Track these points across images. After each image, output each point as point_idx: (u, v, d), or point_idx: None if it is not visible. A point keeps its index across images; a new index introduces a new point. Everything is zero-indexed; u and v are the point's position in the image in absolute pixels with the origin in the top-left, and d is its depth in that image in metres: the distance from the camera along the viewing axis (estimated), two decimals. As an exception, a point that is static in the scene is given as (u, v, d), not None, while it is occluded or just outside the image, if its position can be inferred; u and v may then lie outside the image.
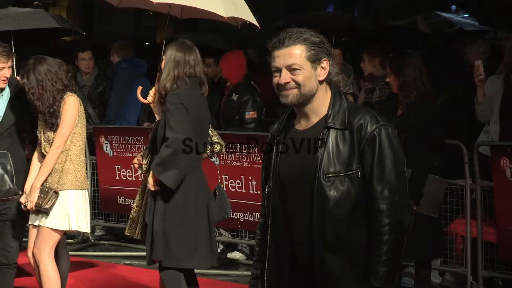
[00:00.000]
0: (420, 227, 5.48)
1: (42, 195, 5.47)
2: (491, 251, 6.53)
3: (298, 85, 3.25)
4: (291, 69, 3.25)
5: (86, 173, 5.66)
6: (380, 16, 10.89)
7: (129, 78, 8.96)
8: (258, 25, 6.61)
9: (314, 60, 3.26)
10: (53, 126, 5.50)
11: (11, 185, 5.59)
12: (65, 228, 5.60)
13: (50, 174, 5.53)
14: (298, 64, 3.24)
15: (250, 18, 6.66)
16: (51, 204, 5.48)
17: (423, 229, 5.65)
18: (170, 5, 6.55)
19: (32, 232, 5.70)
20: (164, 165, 5.00)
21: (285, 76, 3.25)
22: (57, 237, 5.62)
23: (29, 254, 5.71)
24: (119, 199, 8.45)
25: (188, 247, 5.14)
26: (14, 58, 5.80)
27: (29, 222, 5.68)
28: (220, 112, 8.25)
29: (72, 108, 5.51)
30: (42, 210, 5.48)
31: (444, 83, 7.16)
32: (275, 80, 3.28)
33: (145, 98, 5.54)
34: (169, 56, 5.21)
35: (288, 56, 3.24)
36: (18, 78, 5.78)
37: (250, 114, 7.94)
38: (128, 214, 8.61)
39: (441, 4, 11.45)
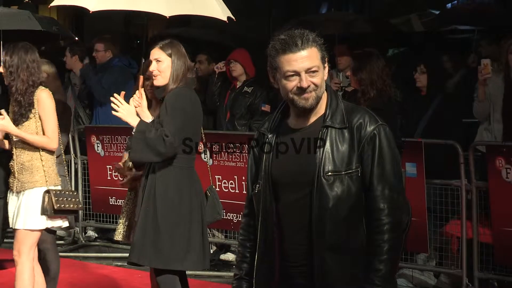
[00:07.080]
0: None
1: (62, 198, 5.45)
2: (486, 252, 6.49)
3: (316, 87, 3.24)
4: (311, 71, 3.23)
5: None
6: (375, 15, 10.84)
7: (123, 77, 8.82)
8: (225, 19, 6.01)
9: (324, 61, 3.28)
10: (21, 118, 5.44)
11: None
12: (40, 227, 5.48)
13: (21, 172, 5.47)
14: (317, 66, 3.24)
15: (216, 13, 5.99)
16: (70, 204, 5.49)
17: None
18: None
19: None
20: (148, 145, 4.95)
21: (306, 80, 3.22)
22: (33, 236, 5.49)
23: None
24: (110, 199, 8.37)
25: (180, 248, 5.08)
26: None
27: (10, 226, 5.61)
28: (226, 107, 8.19)
29: (48, 99, 5.50)
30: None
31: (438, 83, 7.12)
32: (292, 84, 3.23)
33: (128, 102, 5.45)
34: (171, 61, 5.11)
35: (306, 59, 3.21)
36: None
37: (266, 107, 7.94)
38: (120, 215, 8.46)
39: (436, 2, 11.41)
